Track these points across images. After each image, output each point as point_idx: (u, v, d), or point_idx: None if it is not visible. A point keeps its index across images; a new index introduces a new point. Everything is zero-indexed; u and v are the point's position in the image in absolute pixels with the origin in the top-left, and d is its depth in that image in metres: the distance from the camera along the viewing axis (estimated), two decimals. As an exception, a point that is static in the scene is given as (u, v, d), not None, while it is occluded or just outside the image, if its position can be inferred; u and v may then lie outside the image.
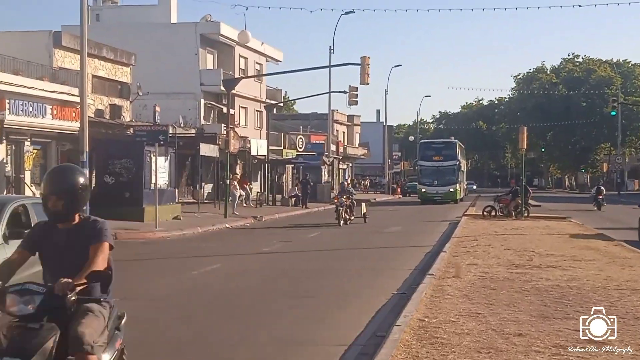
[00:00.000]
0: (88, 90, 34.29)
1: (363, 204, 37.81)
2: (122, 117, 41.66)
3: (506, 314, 11.54)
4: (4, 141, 31.66)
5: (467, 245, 22.87)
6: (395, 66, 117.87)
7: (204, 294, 14.76)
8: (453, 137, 75.02)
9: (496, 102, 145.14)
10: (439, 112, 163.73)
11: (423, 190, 61.81)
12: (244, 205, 46.77)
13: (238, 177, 48.00)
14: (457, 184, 61.53)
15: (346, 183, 38.03)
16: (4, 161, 31.76)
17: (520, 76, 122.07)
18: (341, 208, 33.97)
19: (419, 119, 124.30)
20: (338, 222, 33.62)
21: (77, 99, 31.92)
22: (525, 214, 37.71)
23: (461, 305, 12.37)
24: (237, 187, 42.44)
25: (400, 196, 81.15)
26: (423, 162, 62.75)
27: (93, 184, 32.31)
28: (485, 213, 38.76)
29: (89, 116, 31.93)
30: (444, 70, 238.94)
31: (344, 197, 34.62)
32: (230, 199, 38.56)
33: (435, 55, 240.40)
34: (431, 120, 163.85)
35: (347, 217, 34.67)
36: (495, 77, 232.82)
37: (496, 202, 39.43)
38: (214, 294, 14.71)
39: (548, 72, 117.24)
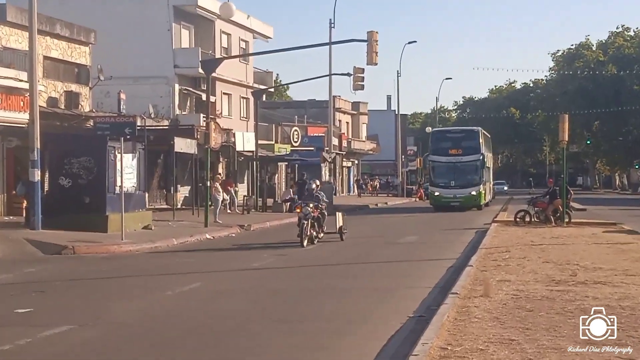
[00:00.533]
0: (39, 74, 34.36)
1: (339, 215, 32.36)
2: (80, 106, 41.68)
3: (545, 341, 11.51)
4: (-62, 137, 31.66)
5: (498, 257, 22.85)
6: (409, 43, 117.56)
7: (180, 319, 14.73)
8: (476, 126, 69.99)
9: (531, 85, 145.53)
10: (463, 97, 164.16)
11: (436, 193, 58.00)
12: (229, 211, 46.80)
13: (221, 178, 48.02)
14: (481, 185, 57.76)
15: (315, 185, 31.52)
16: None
17: (560, 54, 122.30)
18: (305, 222, 28.78)
19: (439, 106, 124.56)
20: (301, 241, 28.37)
21: (26, 85, 31.97)
22: (567, 220, 37.71)
23: (491, 330, 12.34)
24: (220, 190, 42.44)
25: (419, 199, 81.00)
26: (436, 156, 58.85)
27: (46, 188, 32.33)
28: (518, 219, 38.76)
29: (40, 106, 31.99)
30: (468, 47, 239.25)
31: (310, 205, 29.22)
32: (211, 204, 38.55)
33: (457, 30, 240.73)
34: (453, 108, 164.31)
35: (315, 233, 29.82)
36: (530, 55, 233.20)
37: (531, 205, 39.43)
38: (192, 319, 14.68)
39: (594, 49, 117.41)
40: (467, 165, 57.23)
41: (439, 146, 58.66)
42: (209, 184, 38.32)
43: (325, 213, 31.18)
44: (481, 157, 57.78)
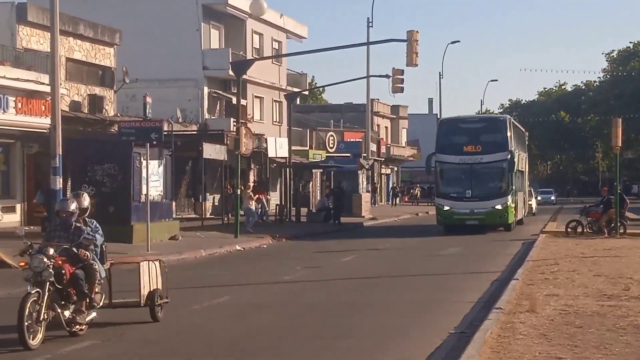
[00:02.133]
0: (61, 77, 34.58)
1: (148, 268, 17.50)
2: (104, 110, 41.95)
3: (595, 359, 11.44)
4: (-44, 142, 31.98)
5: (546, 270, 22.76)
6: (452, 43, 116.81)
7: (208, 335, 14.79)
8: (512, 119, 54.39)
9: (583, 87, 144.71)
10: (509, 100, 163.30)
11: (446, 208, 44.22)
12: (260, 221, 46.94)
13: (252, 186, 48.09)
14: (510, 196, 43.94)
15: (77, 205, 15.71)
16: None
17: (614, 54, 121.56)
18: (35, 291, 14.19)
19: (484, 110, 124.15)
20: (22, 340, 13.45)
21: (48, 89, 32.17)
22: (621, 231, 37.47)
23: (537, 347, 12.30)
24: (253, 198, 42.60)
25: None
26: (445, 156, 44.51)
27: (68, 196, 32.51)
28: (569, 229, 38.59)
29: (62, 110, 32.18)
30: (514, 48, 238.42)
31: (51, 251, 14.60)
32: (243, 214, 38.64)
33: (503, 29, 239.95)
34: (499, 111, 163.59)
35: (69, 314, 14.33)
36: (581, 56, 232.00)
37: (583, 215, 39.25)
38: (220, 335, 14.74)
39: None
40: (489, 168, 43.96)
41: (450, 141, 44.89)
42: (239, 192, 38.43)
43: (97, 267, 15.38)
44: (509, 157, 43.71)
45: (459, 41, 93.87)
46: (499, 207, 43.32)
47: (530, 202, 62.88)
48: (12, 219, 35.85)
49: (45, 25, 35.44)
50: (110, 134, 39.74)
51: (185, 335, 14.76)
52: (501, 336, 13.19)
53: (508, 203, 43.47)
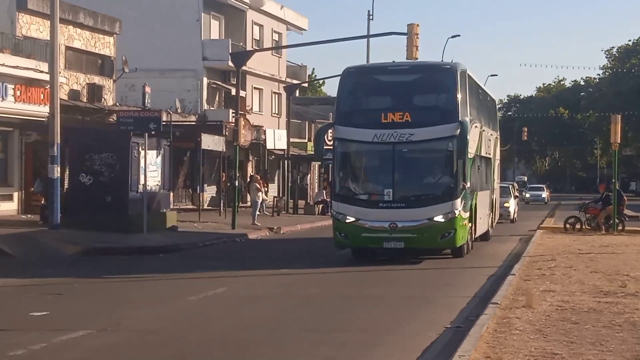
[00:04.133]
0: (60, 65, 34.55)
1: None
2: (103, 100, 41.94)
3: (591, 355, 11.47)
4: (-46, 130, 31.97)
5: (543, 266, 22.77)
6: (453, 37, 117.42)
7: (204, 326, 14.78)
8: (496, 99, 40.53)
9: (582, 83, 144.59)
10: (508, 96, 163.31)
11: (349, 220, 25.65)
12: (257, 213, 46.88)
13: (260, 177, 47.55)
14: (460, 199, 25.78)
15: None
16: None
17: (614, 50, 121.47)
18: None
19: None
20: None
21: (47, 77, 32.23)
22: (619, 228, 37.44)
23: (533, 342, 12.31)
24: (261, 189, 42.50)
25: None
26: (350, 130, 26.28)
27: (65, 185, 32.53)
28: (567, 225, 38.53)
29: (61, 99, 32.23)
30: (514, 42, 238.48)
31: None
32: (241, 205, 38.59)
33: (502, 24, 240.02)
34: (498, 106, 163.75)
35: None
36: (581, 52, 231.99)
37: (582, 211, 39.19)
38: (216, 327, 14.72)
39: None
40: (424, 152, 26.35)
41: (358, 105, 27.17)
42: (237, 184, 38.38)
43: None
44: (459, 131, 25.50)
45: (459, 35, 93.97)
46: (439, 218, 25.08)
47: (506, 205, 45.93)
48: (10, 207, 35.85)
49: (45, 13, 35.40)
50: (108, 123, 39.72)
51: (182, 326, 14.73)
52: (497, 331, 13.19)
53: (457, 211, 25.24)
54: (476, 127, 29.08)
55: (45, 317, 15.43)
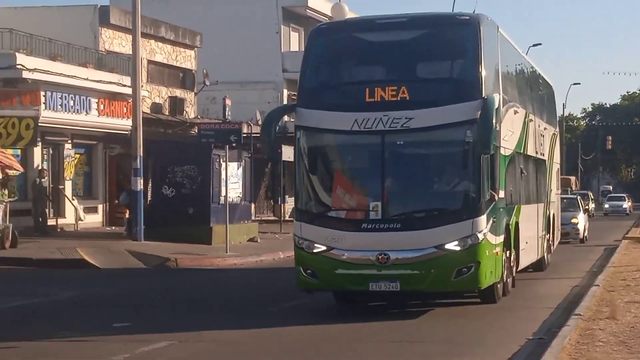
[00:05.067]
0: (142, 79, 35.02)
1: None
2: (184, 112, 42.35)
3: (676, 368, 11.28)
4: (39, 144, 32.52)
5: (628, 277, 22.41)
6: (534, 45, 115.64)
7: (292, 337, 14.84)
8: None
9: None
10: (592, 104, 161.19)
11: (318, 249, 17.02)
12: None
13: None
14: (486, 216, 16.85)
15: None
16: (39, 168, 32.60)
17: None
18: None
19: (566, 114, 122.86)
20: None
21: (129, 91, 32.64)
22: None
23: (616, 355, 12.16)
24: None
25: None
26: (319, 113, 17.54)
27: (148, 197, 32.90)
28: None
29: (143, 112, 32.66)
30: (598, 50, 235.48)
31: None
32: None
33: (585, 30, 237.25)
34: (581, 115, 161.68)
35: None
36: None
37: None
38: (301, 336, 14.78)
39: None
40: (428, 144, 17.62)
41: (331, 79, 18.49)
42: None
43: None
44: (481, 113, 16.63)
45: (541, 44, 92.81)
46: (453, 245, 16.63)
47: (574, 221, 38.00)
48: (95, 219, 36.33)
49: (127, 27, 35.89)
50: (190, 135, 40.11)
51: (268, 337, 14.80)
52: (580, 343, 13.04)
53: (481, 234, 16.77)
54: (516, 112, 20.53)
55: (127, 327, 15.61)
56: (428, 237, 16.46)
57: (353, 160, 17.80)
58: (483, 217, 16.63)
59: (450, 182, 17.46)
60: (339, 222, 17.02)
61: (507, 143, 19.10)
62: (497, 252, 17.49)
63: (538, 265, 24.74)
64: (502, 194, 18.01)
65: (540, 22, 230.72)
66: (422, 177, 17.61)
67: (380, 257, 16.32)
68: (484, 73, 17.08)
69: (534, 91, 25.13)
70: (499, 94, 17.90)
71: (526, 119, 22.06)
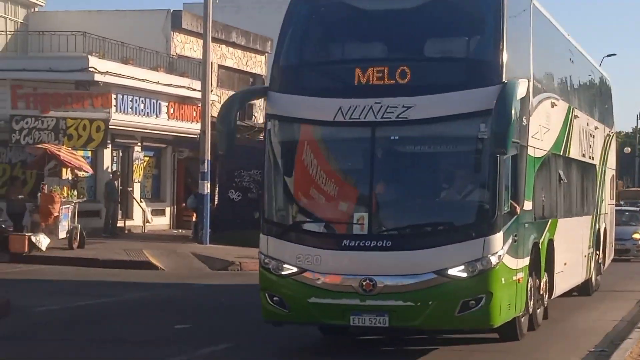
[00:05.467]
0: (212, 83, 35.30)
1: None
2: (253, 117, 42.51)
3: None
4: (109, 146, 32.91)
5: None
6: (608, 56, 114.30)
7: (344, 344, 14.82)
8: None
9: None
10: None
11: (287, 270, 13.40)
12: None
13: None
14: (503, 234, 13.02)
15: None
16: (109, 170, 32.97)
17: None
18: None
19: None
20: None
21: (199, 95, 32.89)
22: None
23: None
24: None
25: None
26: (296, 98, 13.78)
27: (215, 201, 33.09)
28: None
29: (212, 116, 32.76)
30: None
31: None
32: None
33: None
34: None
35: None
36: None
37: None
38: (360, 343, 14.76)
39: None
40: (430, 139, 13.60)
41: (311, 57, 14.62)
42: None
43: None
44: (499, 101, 12.66)
45: (615, 54, 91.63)
46: (457, 270, 12.75)
47: (636, 236, 34.93)
48: (162, 222, 36.67)
49: (198, 32, 36.16)
50: (258, 141, 40.23)
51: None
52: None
53: (494, 256, 12.87)
54: (554, 104, 16.98)
55: (188, 329, 15.72)
56: (426, 260, 12.70)
57: (335, 159, 13.87)
58: (499, 235, 12.84)
59: (457, 189, 13.61)
60: (314, 238, 13.30)
61: (540, 142, 15.61)
62: (519, 279, 13.78)
63: (584, 289, 21.38)
64: (528, 205, 14.60)
65: (615, 29, 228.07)
66: (421, 183, 13.78)
67: (364, 283, 12.63)
68: (506, 52, 13.19)
69: (583, 83, 21.69)
70: (530, 81, 14.51)
71: (569, 114, 18.55)
